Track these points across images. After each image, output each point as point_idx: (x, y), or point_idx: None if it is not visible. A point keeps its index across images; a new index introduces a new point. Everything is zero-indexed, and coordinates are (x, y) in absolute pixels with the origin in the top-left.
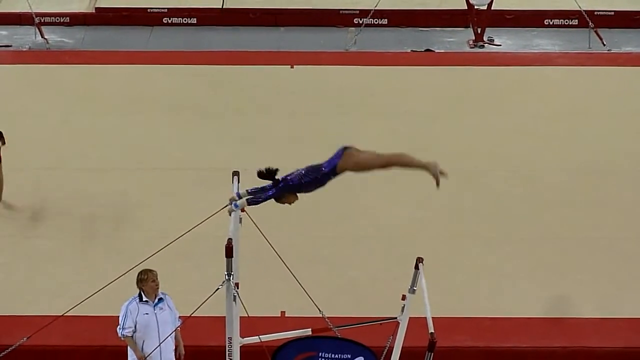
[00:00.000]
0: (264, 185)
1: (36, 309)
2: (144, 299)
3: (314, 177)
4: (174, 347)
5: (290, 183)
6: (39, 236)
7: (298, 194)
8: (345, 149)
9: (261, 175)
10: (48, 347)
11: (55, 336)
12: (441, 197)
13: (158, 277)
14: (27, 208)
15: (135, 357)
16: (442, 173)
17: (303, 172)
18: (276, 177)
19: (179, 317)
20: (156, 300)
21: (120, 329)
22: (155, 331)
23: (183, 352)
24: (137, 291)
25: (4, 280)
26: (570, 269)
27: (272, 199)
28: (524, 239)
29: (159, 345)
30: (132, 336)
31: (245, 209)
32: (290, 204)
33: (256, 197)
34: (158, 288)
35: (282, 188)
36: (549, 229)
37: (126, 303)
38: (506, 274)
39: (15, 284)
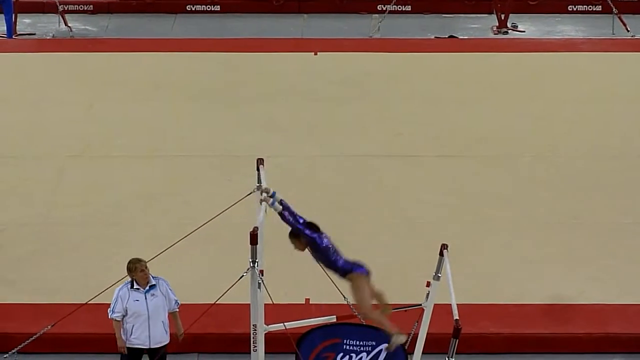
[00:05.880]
0: (296, 212)
1: (60, 297)
2: (135, 286)
3: (330, 259)
4: (169, 331)
5: (317, 241)
6: (63, 224)
7: (306, 249)
8: (364, 272)
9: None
10: (72, 335)
11: (79, 324)
12: (466, 183)
13: (147, 266)
14: (52, 196)
15: (126, 337)
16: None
17: (331, 246)
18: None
19: (177, 300)
20: (147, 287)
21: (110, 311)
22: (145, 317)
23: (182, 333)
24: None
25: (28, 269)
26: (596, 255)
27: (293, 231)
28: (549, 224)
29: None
30: (121, 320)
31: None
32: (295, 248)
33: (287, 215)
34: (147, 277)
35: (310, 236)
36: (575, 214)
37: (118, 288)
38: (532, 260)
39: (39, 272)
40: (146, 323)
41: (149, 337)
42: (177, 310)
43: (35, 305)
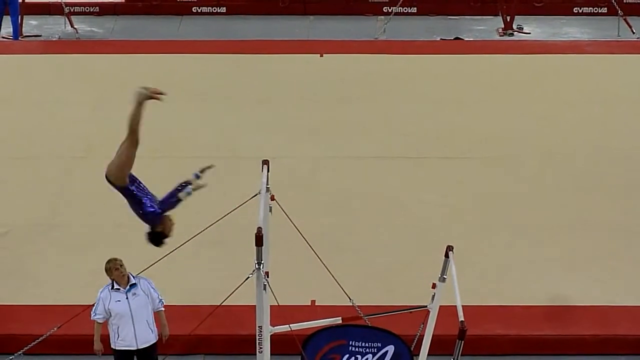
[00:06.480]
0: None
1: (66, 298)
2: (115, 286)
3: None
4: (155, 330)
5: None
6: (68, 225)
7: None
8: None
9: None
10: (78, 337)
11: (85, 325)
12: (471, 183)
13: (123, 264)
14: (57, 197)
15: (114, 340)
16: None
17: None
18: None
19: (161, 299)
20: (128, 286)
21: (92, 313)
22: (129, 317)
23: (167, 333)
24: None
25: (34, 269)
26: (601, 256)
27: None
28: (553, 225)
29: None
30: (104, 322)
31: (275, 198)
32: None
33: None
34: (125, 275)
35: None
36: (579, 216)
37: (100, 289)
38: (537, 261)
39: (45, 272)
40: (130, 323)
41: (135, 337)
42: (162, 309)
43: (41, 307)
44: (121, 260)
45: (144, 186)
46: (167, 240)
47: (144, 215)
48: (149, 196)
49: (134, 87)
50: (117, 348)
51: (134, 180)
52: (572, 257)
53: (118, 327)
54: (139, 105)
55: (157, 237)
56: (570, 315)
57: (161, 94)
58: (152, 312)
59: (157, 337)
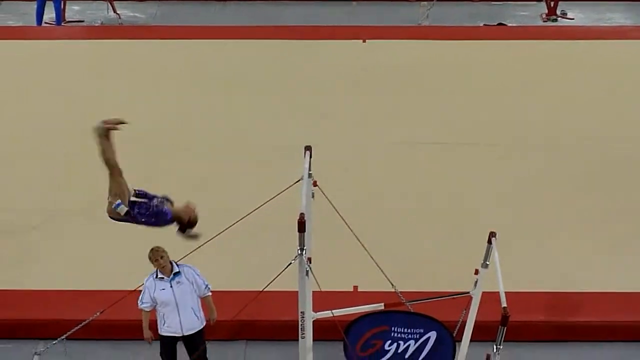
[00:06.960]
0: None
1: (109, 284)
2: (159, 275)
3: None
4: (202, 316)
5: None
6: None
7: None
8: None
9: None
10: (121, 322)
11: (128, 311)
12: (515, 171)
13: (165, 254)
14: (98, 184)
15: (161, 326)
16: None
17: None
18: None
19: (208, 285)
20: (172, 275)
21: (139, 302)
22: (174, 305)
23: (215, 317)
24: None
25: (77, 256)
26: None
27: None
28: (597, 213)
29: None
30: (152, 310)
31: (318, 184)
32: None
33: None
34: (165, 265)
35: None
36: (625, 205)
37: (146, 278)
38: (580, 249)
39: (88, 259)
40: (175, 311)
41: (180, 324)
42: (209, 294)
43: (85, 292)
44: (163, 250)
45: (145, 199)
46: (196, 227)
47: (161, 222)
48: (151, 208)
49: (173, 73)
50: (163, 334)
51: (133, 203)
52: (616, 246)
53: (164, 315)
54: (102, 139)
55: (185, 229)
56: (612, 302)
57: (120, 123)
58: (198, 299)
59: (204, 323)
